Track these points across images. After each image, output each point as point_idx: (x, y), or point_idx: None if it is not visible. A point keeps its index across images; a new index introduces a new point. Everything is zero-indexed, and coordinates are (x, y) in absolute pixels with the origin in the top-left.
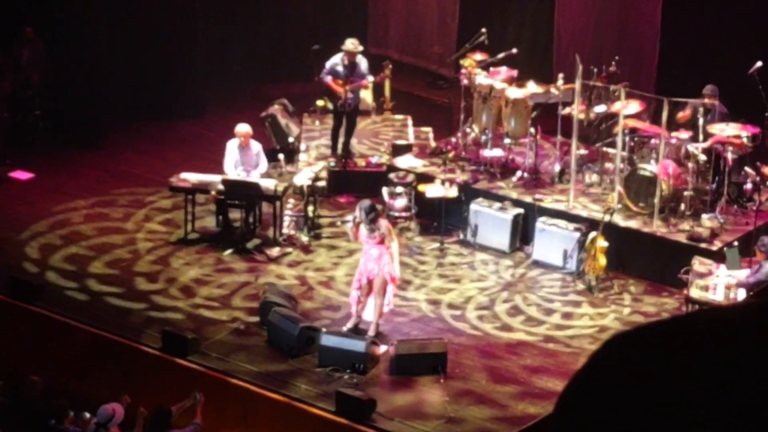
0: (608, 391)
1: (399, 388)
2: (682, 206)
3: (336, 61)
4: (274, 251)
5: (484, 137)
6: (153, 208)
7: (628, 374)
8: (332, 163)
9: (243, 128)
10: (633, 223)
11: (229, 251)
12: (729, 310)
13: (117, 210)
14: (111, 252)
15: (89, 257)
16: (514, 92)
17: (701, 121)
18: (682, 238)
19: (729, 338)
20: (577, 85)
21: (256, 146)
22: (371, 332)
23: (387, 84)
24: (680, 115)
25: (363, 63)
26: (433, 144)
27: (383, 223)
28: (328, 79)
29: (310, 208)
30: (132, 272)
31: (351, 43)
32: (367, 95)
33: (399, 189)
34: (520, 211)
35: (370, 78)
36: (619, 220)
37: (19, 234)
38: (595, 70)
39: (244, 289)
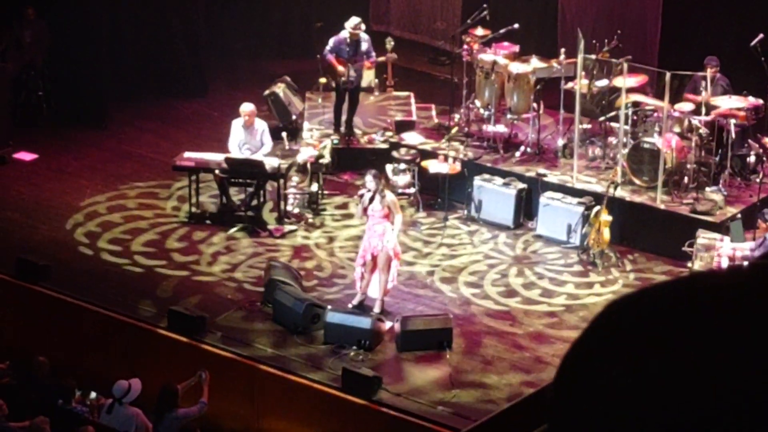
0: (609, 357)
1: (405, 364)
2: (686, 179)
3: (340, 38)
4: (282, 228)
5: (486, 113)
6: (156, 187)
7: (629, 339)
8: (335, 141)
9: (247, 107)
10: (637, 197)
11: (234, 229)
12: (734, 272)
13: (125, 190)
14: (112, 230)
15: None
16: (516, 67)
17: (704, 93)
18: (685, 211)
19: (735, 300)
20: (580, 59)
21: (261, 125)
22: (376, 309)
23: (390, 61)
24: (700, 98)
25: (366, 42)
26: (436, 120)
27: (390, 195)
28: (331, 57)
29: (315, 186)
30: (132, 251)
31: (354, 22)
32: (369, 74)
33: (402, 166)
34: (524, 186)
35: (374, 56)
36: (623, 193)
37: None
38: (597, 44)
39: (249, 267)
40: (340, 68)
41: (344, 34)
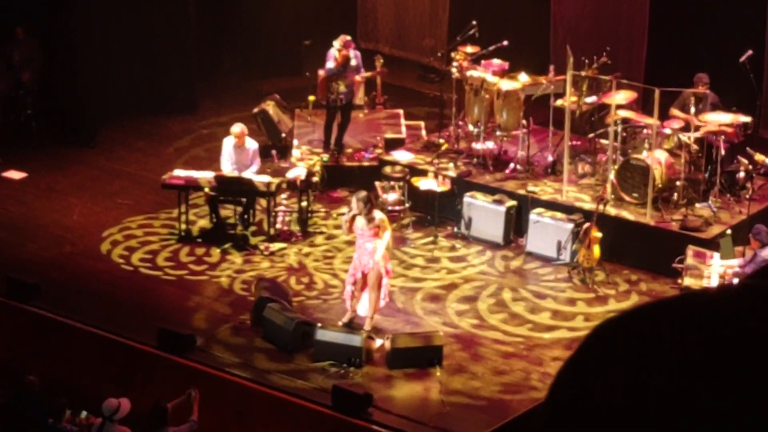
0: (600, 377)
1: (395, 381)
2: (675, 196)
3: (331, 55)
4: (271, 247)
5: (476, 130)
6: (146, 204)
7: (620, 359)
8: (325, 158)
9: (238, 128)
10: (626, 214)
11: (223, 247)
12: (724, 291)
13: (111, 206)
14: (103, 248)
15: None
16: (505, 84)
17: (693, 109)
18: (675, 228)
19: (726, 320)
20: (569, 76)
21: (252, 145)
22: (367, 326)
23: (378, 78)
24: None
25: (355, 58)
26: (425, 137)
27: (379, 214)
28: (323, 73)
29: (304, 203)
30: (125, 269)
31: (343, 39)
32: (358, 90)
33: (392, 183)
34: (514, 203)
35: (363, 73)
36: (613, 210)
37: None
38: (587, 61)
39: (239, 285)
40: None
41: (334, 50)
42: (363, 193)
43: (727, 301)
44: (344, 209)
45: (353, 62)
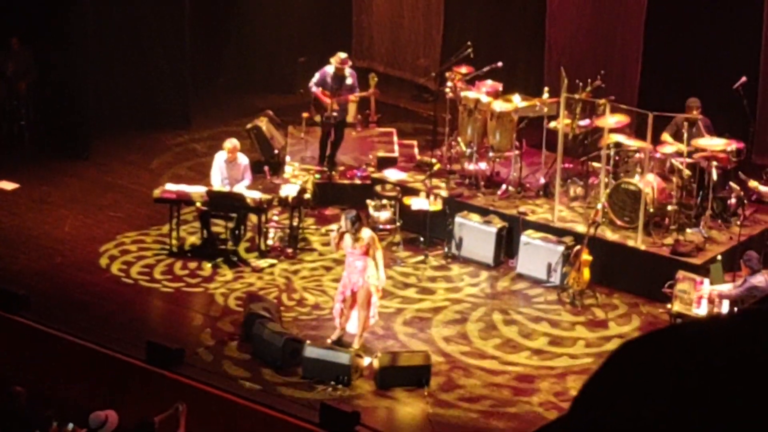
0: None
1: (383, 400)
2: (667, 220)
3: (325, 72)
4: (260, 263)
5: (469, 150)
6: (138, 218)
7: (627, 388)
8: (317, 175)
9: (230, 143)
10: (617, 237)
11: (213, 263)
12: (722, 319)
13: (103, 220)
14: (94, 260)
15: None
16: (499, 105)
17: (685, 134)
18: (666, 253)
19: (721, 347)
20: (562, 98)
21: (243, 160)
22: (356, 345)
23: (373, 97)
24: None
25: (352, 77)
26: (418, 157)
27: (367, 232)
28: (317, 90)
29: (296, 220)
30: (117, 282)
31: (341, 57)
32: (351, 108)
33: (384, 201)
34: (505, 224)
35: (357, 92)
36: (604, 233)
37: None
38: (580, 84)
39: (229, 300)
40: (326, 100)
41: (330, 68)
42: (353, 212)
43: (724, 328)
44: (334, 226)
45: (349, 81)
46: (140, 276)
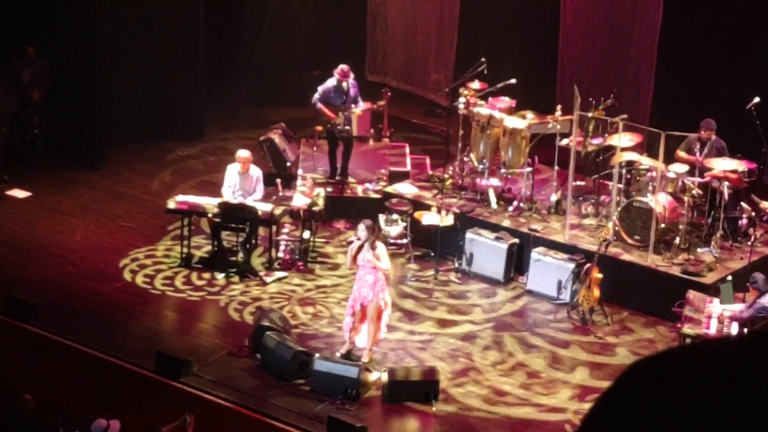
0: (632, 416)
1: (391, 415)
2: (677, 240)
3: (327, 87)
4: (270, 275)
5: (481, 166)
6: (148, 228)
7: (651, 399)
8: (329, 188)
9: (243, 154)
10: (628, 256)
11: (223, 274)
12: (749, 338)
13: (114, 230)
14: (105, 269)
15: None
16: (512, 122)
17: (698, 154)
18: (676, 272)
19: (753, 367)
20: (575, 116)
21: (256, 172)
22: (365, 359)
23: (385, 111)
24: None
25: (354, 88)
26: (430, 172)
27: (381, 245)
28: (321, 105)
29: (307, 233)
30: (127, 292)
31: (342, 69)
32: (353, 120)
33: (395, 216)
34: (516, 240)
35: (362, 104)
36: (615, 251)
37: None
38: (593, 102)
39: (238, 313)
40: (331, 114)
41: (332, 81)
42: (369, 221)
43: (735, 350)
44: (350, 236)
45: (351, 92)
46: (149, 287)
